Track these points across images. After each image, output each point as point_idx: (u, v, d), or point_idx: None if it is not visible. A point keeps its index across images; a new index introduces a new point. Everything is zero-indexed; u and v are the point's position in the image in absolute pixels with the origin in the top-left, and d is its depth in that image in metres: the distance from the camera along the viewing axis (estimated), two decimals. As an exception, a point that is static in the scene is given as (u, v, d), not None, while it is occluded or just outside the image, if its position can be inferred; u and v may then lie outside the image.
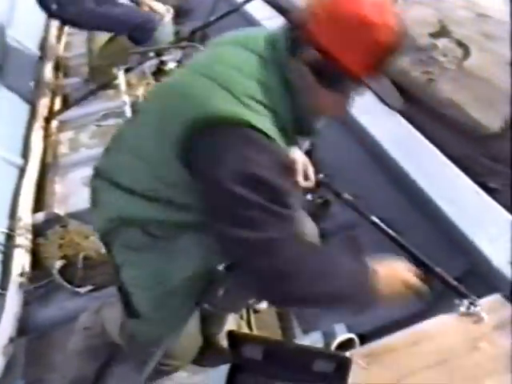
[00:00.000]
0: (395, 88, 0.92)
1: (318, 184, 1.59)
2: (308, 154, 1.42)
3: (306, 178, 1.24)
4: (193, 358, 1.16)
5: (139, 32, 2.55)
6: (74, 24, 2.65)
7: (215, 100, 0.83)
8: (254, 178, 0.80)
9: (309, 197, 1.68)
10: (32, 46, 2.88)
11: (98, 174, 1.08)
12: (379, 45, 0.84)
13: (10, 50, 2.47)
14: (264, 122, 0.84)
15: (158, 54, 2.57)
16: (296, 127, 0.92)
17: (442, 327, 1.07)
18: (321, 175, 1.58)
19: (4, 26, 2.58)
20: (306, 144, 1.52)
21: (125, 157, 1.01)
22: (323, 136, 1.62)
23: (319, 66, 0.85)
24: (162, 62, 2.62)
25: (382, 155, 1.63)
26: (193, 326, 1.09)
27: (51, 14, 2.56)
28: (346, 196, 1.50)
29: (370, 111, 1.71)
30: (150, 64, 2.60)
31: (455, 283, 1.19)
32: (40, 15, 2.79)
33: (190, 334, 1.09)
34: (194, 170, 0.87)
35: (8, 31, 2.58)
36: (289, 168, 0.89)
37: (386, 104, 0.88)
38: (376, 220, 1.40)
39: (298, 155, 1.21)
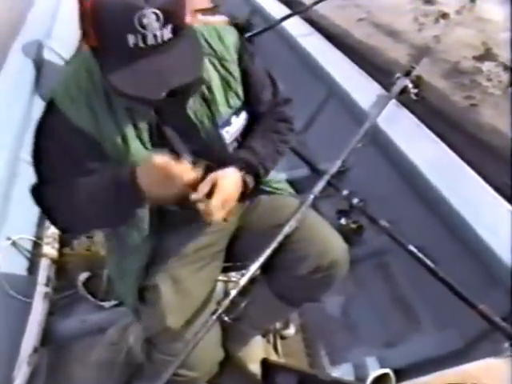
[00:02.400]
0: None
1: (352, 206, 1.62)
2: (338, 176, 1.46)
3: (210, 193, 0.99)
4: (211, 371, 1.15)
5: None
6: None
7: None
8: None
9: (342, 221, 1.69)
10: (66, 55, 2.90)
11: None
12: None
13: (46, 63, 2.53)
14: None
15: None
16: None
17: (488, 371, 1.01)
18: (356, 199, 1.61)
19: (43, 36, 2.69)
20: (337, 164, 1.52)
21: None
22: (359, 159, 1.73)
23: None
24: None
25: (420, 181, 1.63)
26: (212, 335, 1.10)
27: None
28: (382, 222, 1.50)
29: (408, 136, 1.74)
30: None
31: (503, 323, 1.14)
32: (76, 26, 2.89)
33: (209, 344, 1.09)
34: None
35: (46, 41, 2.67)
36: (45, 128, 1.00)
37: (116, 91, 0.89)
38: (413, 249, 1.39)
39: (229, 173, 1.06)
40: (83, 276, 1.68)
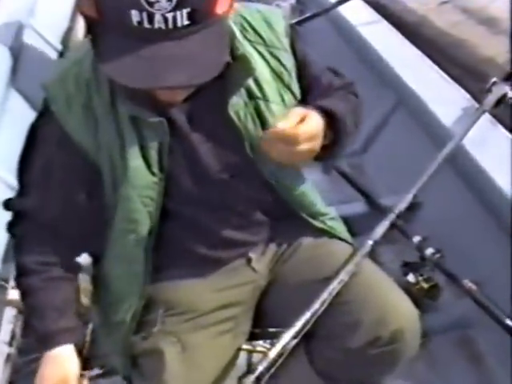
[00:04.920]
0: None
1: (424, 258, 1.64)
2: (408, 213, 1.46)
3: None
4: None
5: None
6: None
7: None
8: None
9: (410, 277, 1.70)
10: (53, 39, 3.01)
11: None
12: None
13: (25, 46, 2.58)
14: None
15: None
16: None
17: None
18: (430, 249, 1.62)
19: (23, 14, 2.75)
20: (408, 198, 1.53)
21: None
22: (436, 193, 1.68)
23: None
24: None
25: None
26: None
27: None
28: (466, 283, 1.52)
29: (506, 164, 1.72)
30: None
31: None
32: (67, 2, 2.99)
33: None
34: None
35: (28, 21, 2.73)
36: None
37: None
38: (509, 322, 1.41)
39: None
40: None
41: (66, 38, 3.18)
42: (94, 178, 1.08)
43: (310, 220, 1.24)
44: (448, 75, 2.21)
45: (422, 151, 1.73)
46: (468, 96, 2.03)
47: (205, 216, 1.15)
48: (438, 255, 1.62)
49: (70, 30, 3.26)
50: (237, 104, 1.08)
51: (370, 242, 1.25)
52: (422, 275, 1.70)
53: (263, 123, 1.10)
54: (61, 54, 2.96)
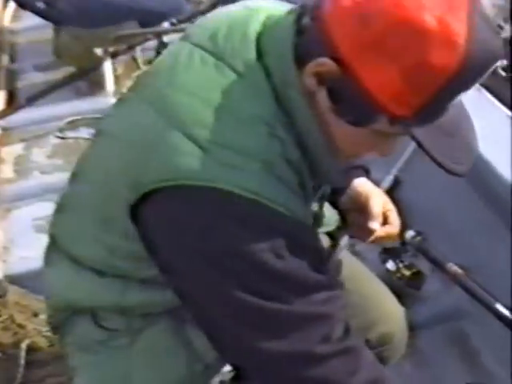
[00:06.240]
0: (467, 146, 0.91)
1: (404, 243, 1.63)
2: (389, 193, 1.40)
3: (386, 222, 1.17)
4: None
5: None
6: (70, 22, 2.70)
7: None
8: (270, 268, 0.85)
9: (389, 265, 1.65)
10: None
11: (53, 224, 1.10)
12: (433, 69, 0.78)
13: None
14: (253, 180, 0.84)
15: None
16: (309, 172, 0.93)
17: None
18: (410, 232, 1.59)
19: None
20: (388, 179, 1.61)
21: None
22: (416, 171, 1.62)
23: (336, 84, 0.82)
24: (164, 45, 2.56)
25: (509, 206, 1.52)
26: None
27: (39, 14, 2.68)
28: (451, 267, 1.48)
29: (495, 137, 1.61)
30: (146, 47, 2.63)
31: None
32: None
33: None
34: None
35: None
36: (312, 246, 0.92)
37: (440, 165, 0.86)
38: (502, 309, 1.37)
39: (368, 187, 1.21)
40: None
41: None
42: None
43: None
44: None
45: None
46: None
47: None
48: (419, 238, 1.59)
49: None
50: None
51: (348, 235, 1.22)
52: (402, 261, 1.66)
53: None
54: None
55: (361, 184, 1.15)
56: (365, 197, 1.13)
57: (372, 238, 1.12)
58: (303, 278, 0.86)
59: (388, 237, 1.15)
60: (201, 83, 0.87)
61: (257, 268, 0.82)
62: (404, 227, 1.54)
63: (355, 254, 1.28)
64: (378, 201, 1.14)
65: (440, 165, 0.84)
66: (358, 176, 1.17)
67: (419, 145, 0.82)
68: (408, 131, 0.82)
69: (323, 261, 0.93)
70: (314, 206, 1.02)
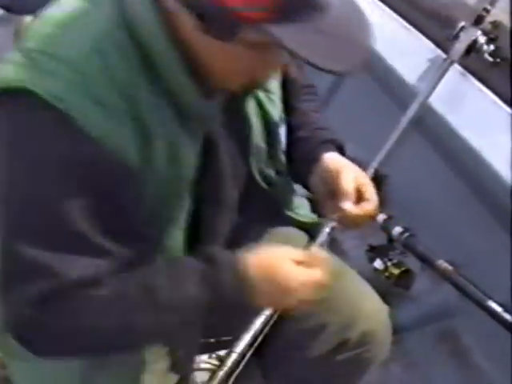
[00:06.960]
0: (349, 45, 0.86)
1: (391, 240, 1.63)
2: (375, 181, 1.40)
3: (361, 199, 1.10)
4: None
5: None
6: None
7: None
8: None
9: (377, 264, 1.66)
10: None
11: None
12: None
13: None
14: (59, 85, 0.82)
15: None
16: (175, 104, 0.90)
17: None
18: (397, 228, 1.59)
19: None
20: (372, 167, 1.58)
21: None
22: (403, 162, 1.57)
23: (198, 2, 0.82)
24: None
25: (503, 198, 1.51)
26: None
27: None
28: (441, 264, 1.48)
29: (479, 122, 1.66)
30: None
31: None
32: None
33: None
34: None
35: None
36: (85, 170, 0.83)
37: (312, 65, 0.82)
38: (494, 305, 1.36)
39: (338, 162, 1.15)
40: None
41: None
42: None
43: (289, 213, 1.24)
44: (407, 22, 2.15)
45: (383, 114, 1.72)
46: (432, 45, 1.96)
47: None
48: (406, 234, 1.58)
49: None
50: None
51: (327, 230, 1.17)
52: (390, 260, 1.66)
53: (268, 120, 1.12)
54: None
55: (330, 159, 1.10)
56: (335, 173, 1.07)
57: (346, 220, 1.06)
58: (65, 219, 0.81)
59: (365, 215, 1.08)
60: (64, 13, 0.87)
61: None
62: (382, 203, 1.51)
63: (341, 253, 1.32)
64: (349, 176, 1.07)
65: (312, 64, 0.80)
66: (327, 150, 1.12)
67: (290, 53, 0.81)
68: (274, 38, 0.79)
69: (115, 225, 0.84)
70: (194, 150, 0.95)
